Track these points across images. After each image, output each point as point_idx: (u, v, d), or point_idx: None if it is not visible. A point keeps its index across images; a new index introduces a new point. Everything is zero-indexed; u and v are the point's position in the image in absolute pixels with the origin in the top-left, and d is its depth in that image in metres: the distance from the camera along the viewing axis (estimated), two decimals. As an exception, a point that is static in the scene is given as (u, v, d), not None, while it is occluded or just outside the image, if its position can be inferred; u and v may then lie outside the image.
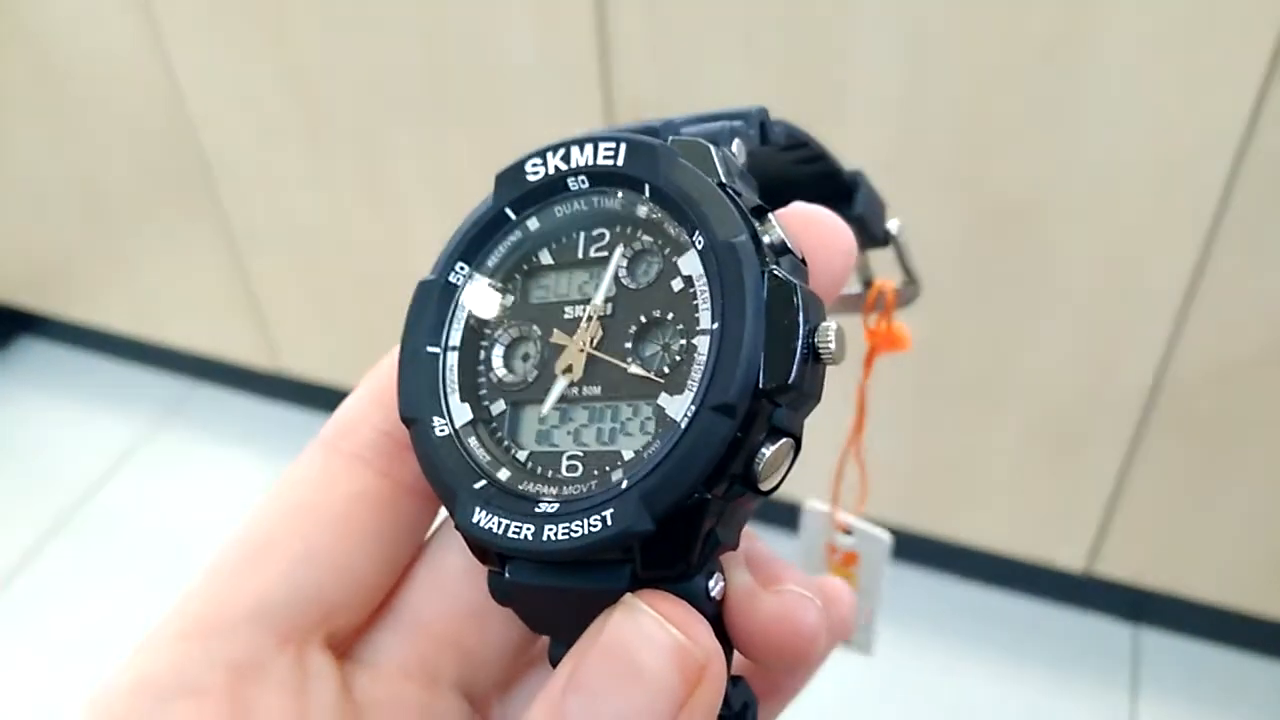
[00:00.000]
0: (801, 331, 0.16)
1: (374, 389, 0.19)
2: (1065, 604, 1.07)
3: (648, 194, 0.17)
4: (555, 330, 0.18)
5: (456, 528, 0.18)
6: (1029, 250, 0.80)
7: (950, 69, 0.74)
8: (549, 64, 0.86)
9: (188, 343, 1.31)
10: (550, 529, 0.16)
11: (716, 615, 0.17)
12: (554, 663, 0.18)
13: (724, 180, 0.17)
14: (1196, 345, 0.80)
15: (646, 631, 0.16)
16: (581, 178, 0.18)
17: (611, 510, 0.16)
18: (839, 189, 0.26)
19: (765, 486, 0.16)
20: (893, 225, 0.29)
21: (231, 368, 1.33)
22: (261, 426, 1.35)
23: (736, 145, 0.18)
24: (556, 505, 0.17)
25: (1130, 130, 0.72)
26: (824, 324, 0.16)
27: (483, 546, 0.17)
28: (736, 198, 0.17)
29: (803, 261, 0.17)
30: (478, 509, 0.17)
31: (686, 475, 0.15)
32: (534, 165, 0.18)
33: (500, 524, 0.17)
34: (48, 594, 1.18)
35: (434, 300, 0.19)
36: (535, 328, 0.18)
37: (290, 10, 0.92)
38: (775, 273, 0.16)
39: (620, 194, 0.18)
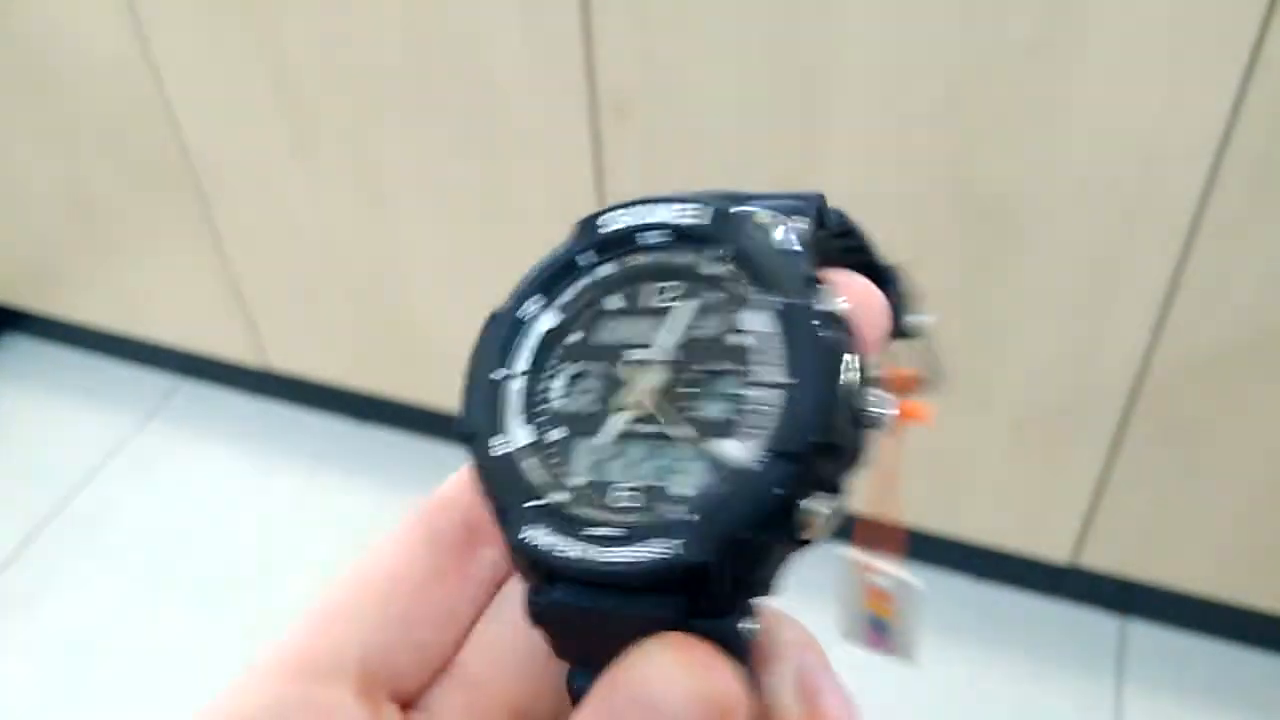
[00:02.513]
0: (855, 394, 0.18)
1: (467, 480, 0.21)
2: (1051, 596, 1.08)
3: (725, 255, 0.19)
4: (621, 368, 0.19)
5: (505, 542, 0.19)
6: (1012, 248, 0.81)
7: (934, 67, 0.74)
8: (534, 59, 0.86)
9: (174, 339, 1.31)
10: (605, 551, 0.17)
11: (744, 657, 0.18)
12: (572, 692, 0.18)
13: (790, 249, 0.19)
14: (1178, 341, 0.80)
15: (670, 673, 0.16)
16: (657, 233, 0.20)
17: (672, 539, 0.17)
18: (876, 279, 0.28)
19: (806, 536, 0.17)
20: (922, 320, 0.29)
21: (218, 364, 1.33)
22: (248, 423, 1.35)
23: (797, 221, 0.20)
24: (609, 530, 0.18)
25: (1112, 130, 0.73)
26: (874, 390, 0.18)
27: (532, 562, 0.18)
28: (801, 264, 0.19)
29: (849, 329, 0.18)
30: (526, 526, 0.18)
31: (742, 515, 0.17)
32: (611, 217, 0.20)
33: (548, 542, 0.18)
34: (34, 590, 1.17)
35: (504, 329, 0.20)
36: (601, 364, 0.20)
37: (275, 8, 0.91)
38: (826, 336, 0.18)
39: (696, 252, 0.19)
